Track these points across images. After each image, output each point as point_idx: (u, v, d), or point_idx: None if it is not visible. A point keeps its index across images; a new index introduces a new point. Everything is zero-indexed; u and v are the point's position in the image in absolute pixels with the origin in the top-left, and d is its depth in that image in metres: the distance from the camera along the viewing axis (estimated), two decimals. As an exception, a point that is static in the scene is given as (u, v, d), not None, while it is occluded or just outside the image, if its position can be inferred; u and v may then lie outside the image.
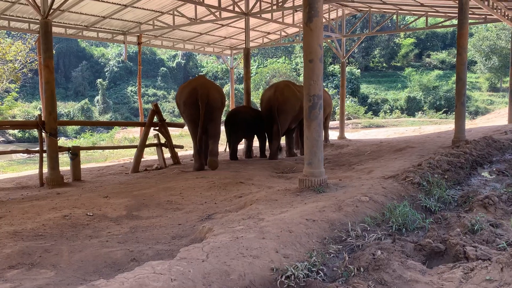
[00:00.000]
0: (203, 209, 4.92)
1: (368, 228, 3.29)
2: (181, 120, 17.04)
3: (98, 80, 45.70)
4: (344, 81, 15.75)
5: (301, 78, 46.43)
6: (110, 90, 48.99)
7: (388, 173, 5.59)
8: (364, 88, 45.85)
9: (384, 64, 50.89)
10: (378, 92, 46.30)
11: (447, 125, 21.59)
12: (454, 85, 35.17)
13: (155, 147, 10.33)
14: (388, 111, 43.29)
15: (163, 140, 10.16)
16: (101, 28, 13.10)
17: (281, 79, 46.54)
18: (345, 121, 21.12)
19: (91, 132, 33.19)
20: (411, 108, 43.35)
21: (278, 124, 9.86)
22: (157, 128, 9.98)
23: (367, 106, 40.98)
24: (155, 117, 9.99)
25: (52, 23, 11.32)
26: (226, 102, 11.44)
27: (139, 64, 14.47)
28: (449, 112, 40.17)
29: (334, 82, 43.93)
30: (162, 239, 3.73)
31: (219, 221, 3.78)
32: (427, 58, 49.52)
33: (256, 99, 43.26)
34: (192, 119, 8.75)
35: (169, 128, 10.32)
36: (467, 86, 47.53)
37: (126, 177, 8.43)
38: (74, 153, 8.36)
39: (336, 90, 41.88)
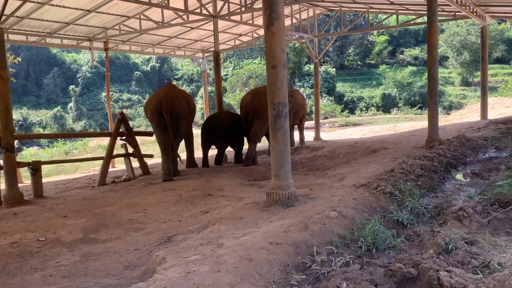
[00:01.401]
0: (165, 229, 4.60)
1: (336, 251, 3.03)
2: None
3: (71, 86, 44.69)
4: (318, 81, 15.57)
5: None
6: (84, 97, 48.02)
7: (360, 180, 5.36)
8: (340, 87, 46.04)
9: (359, 62, 51.22)
10: (353, 90, 46.55)
11: (421, 121, 21.64)
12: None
13: (123, 158, 9.93)
14: (364, 108, 43.58)
15: (131, 150, 9.78)
16: (65, 34, 12.60)
17: (257, 80, 46.42)
18: (322, 121, 20.92)
19: (63, 140, 32.38)
20: (387, 105, 43.76)
21: (255, 130, 9.74)
22: (124, 137, 9.59)
23: (343, 105, 41.13)
24: (122, 126, 9.60)
25: (11, 30, 10.91)
26: (201, 106, 11.08)
27: (107, 70, 14.01)
28: (423, 108, 40.63)
29: (310, 81, 43.87)
30: (113, 269, 3.40)
31: (176, 248, 3.46)
32: (400, 55, 50.07)
33: (232, 101, 43.02)
34: (160, 129, 8.67)
35: (137, 137, 9.95)
36: (440, 81, 48.27)
37: (91, 192, 8.03)
38: (35, 168, 7.92)
39: (312, 90, 41.86)
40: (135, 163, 9.99)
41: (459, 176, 5.68)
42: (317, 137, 15.40)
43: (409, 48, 50.08)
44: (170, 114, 8.46)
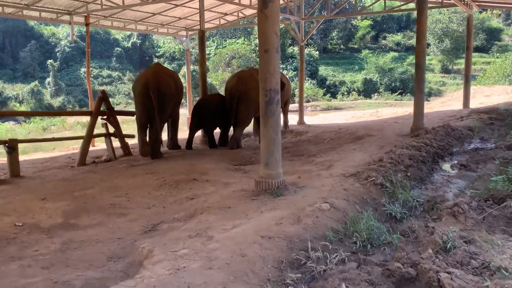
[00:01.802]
0: (149, 216, 4.44)
1: (330, 247, 2.93)
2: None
3: (49, 61, 43.43)
4: (303, 65, 15.40)
5: (260, 60, 45.93)
6: (62, 72, 46.81)
7: (348, 168, 5.28)
8: (323, 70, 45.97)
9: (342, 46, 51.11)
10: (336, 74, 46.55)
11: (402, 108, 21.77)
12: (409, 67, 35.49)
13: (104, 138, 9.65)
14: (346, 93, 43.70)
15: (112, 130, 9.51)
16: (44, 7, 12.10)
17: (240, 61, 45.94)
18: (305, 104, 20.74)
19: (40, 118, 31.62)
20: (368, 90, 43.97)
21: (242, 116, 9.70)
22: (105, 117, 9.31)
23: (325, 88, 41.11)
24: (103, 105, 9.31)
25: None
26: (183, 85, 10.81)
27: (87, 46, 13.52)
28: (403, 94, 40.98)
29: (294, 64, 43.61)
30: (96, 260, 3.24)
31: (163, 239, 3.32)
32: (383, 40, 50.17)
33: (215, 81, 42.56)
34: (143, 109, 8.64)
35: (118, 116, 9.67)
36: (422, 68, 48.41)
37: (71, 172, 7.77)
38: (11, 147, 7.61)
39: (295, 73, 41.60)
40: (116, 143, 9.74)
41: (446, 167, 5.66)
42: (301, 121, 15.30)
43: (392, 34, 50.17)
44: (157, 94, 8.37)
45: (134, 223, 4.24)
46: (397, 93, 41.25)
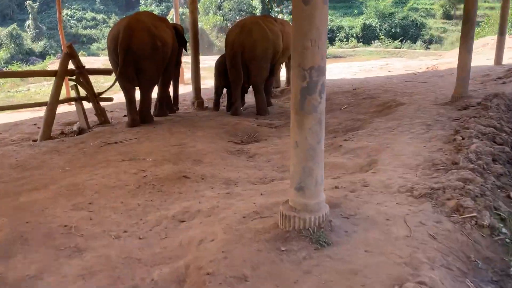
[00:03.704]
0: (115, 262, 2.85)
1: None
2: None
3: (28, 2, 40.51)
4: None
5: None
6: (43, 14, 43.93)
7: (406, 173, 3.69)
8: (320, 15, 43.57)
9: (340, -12, 48.47)
10: (333, 19, 44.34)
11: (413, 60, 19.95)
12: (410, 13, 33.25)
13: (74, 103, 7.91)
14: (344, 39, 41.82)
15: (84, 93, 7.78)
16: None
17: (232, 3, 43.08)
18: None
19: (19, 64, 29.39)
20: (367, 36, 42.16)
21: (255, 78, 8.24)
22: (74, 77, 7.55)
23: (322, 34, 38.88)
24: (71, 62, 7.51)
25: None
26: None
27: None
28: (404, 41, 39.13)
29: (289, 7, 41.02)
30: None
31: None
32: (383, -18, 47.42)
33: (206, 25, 39.93)
34: (116, 69, 7.17)
35: (91, 76, 7.90)
36: (421, 13, 46.26)
37: (29, 151, 6.10)
38: None
39: (290, 17, 39.16)
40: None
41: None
42: (305, 77, 13.54)
43: (394, -24, 47.44)
44: (126, 51, 6.86)
45: (92, 278, 2.66)
46: (398, 40, 39.52)
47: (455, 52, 20.74)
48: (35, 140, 7.11)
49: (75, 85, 7.68)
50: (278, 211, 2.74)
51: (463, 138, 4.24)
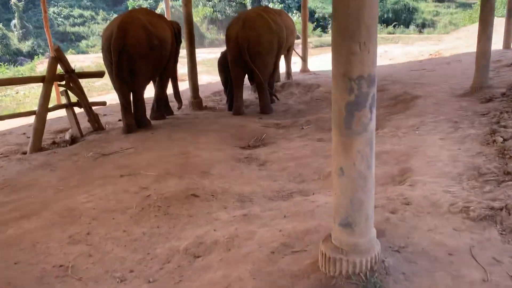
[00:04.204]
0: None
1: None
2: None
3: (13, 0, 39.49)
4: (307, 0, 12.87)
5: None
6: (29, 12, 42.90)
7: (450, 185, 3.23)
8: (310, 2, 42.87)
9: (329, -27, 47.71)
10: (325, 6, 43.66)
11: (412, 46, 19.43)
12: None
13: (65, 109, 7.36)
14: (337, 26, 41.19)
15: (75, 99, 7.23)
16: None
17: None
18: (297, 41, 18.18)
19: (7, 65, 28.58)
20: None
21: (260, 74, 7.64)
22: (64, 83, 7.00)
23: (315, 22, 38.32)
24: (59, 67, 6.96)
25: None
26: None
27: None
28: (397, 26, 38.62)
29: (280, -4, 40.28)
30: None
31: None
32: (376, -34, 46.89)
33: (196, 17, 39.08)
34: (110, 70, 6.66)
35: (81, 80, 7.35)
36: (414, -3, 45.20)
37: (17, 167, 5.59)
38: None
39: (281, 6, 38.40)
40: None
41: None
42: (305, 69, 13.05)
43: (385, -43, 46.79)
44: (121, 52, 6.38)
45: None
46: (392, 25, 39.02)
47: (454, 36, 20.23)
48: (24, 153, 6.58)
49: (65, 91, 7.13)
50: (313, 244, 2.27)
51: (505, 140, 3.77)
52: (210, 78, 14.98)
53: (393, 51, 17.85)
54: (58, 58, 6.82)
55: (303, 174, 4.54)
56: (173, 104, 8.86)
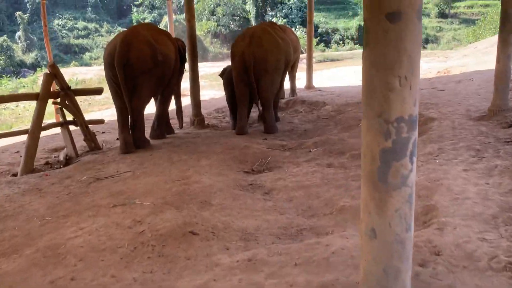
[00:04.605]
0: None
1: None
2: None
3: (18, 13, 39.66)
4: (312, 14, 12.59)
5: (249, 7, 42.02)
6: (34, 24, 43.06)
7: (485, 231, 2.83)
8: (314, 17, 42.97)
9: (334, -10, 48.01)
10: (328, 21, 43.74)
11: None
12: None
13: (60, 128, 7.01)
14: (340, 41, 41.20)
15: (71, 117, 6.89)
16: None
17: (226, 8, 42.25)
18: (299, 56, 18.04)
19: (9, 77, 28.40)
20: (363, 37, 41.50)
21: (265, 93, 7.39)
22: (59, 100, 6.66)
23: (318, 37, 38.25)
24: (55, 84, 6.63)
25: None
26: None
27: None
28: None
29: (283, 11, 40.26)
30: None
31: None
32: (380, -18, 47.01)
33: (199, 31, 39.02)
34: (113, 88, 6.43)
35: (78, 97, 7.02)
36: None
37: (6, 190, 5.20)
38: None
39: (285, 21, 38.30)
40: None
41: None
42: (310, 85, 12.72)
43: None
44: (124, 67, 6.08)
45: None
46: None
47: (461, 53, 19.90)
48: (15, 174, 6.23)
49: (61, 109, 6.79)
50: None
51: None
52: (212, 93, 14.67)
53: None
54: (54, 74, 6.49)
55: (313, 206, 4.15)
56: (174, 121, 8.52)
